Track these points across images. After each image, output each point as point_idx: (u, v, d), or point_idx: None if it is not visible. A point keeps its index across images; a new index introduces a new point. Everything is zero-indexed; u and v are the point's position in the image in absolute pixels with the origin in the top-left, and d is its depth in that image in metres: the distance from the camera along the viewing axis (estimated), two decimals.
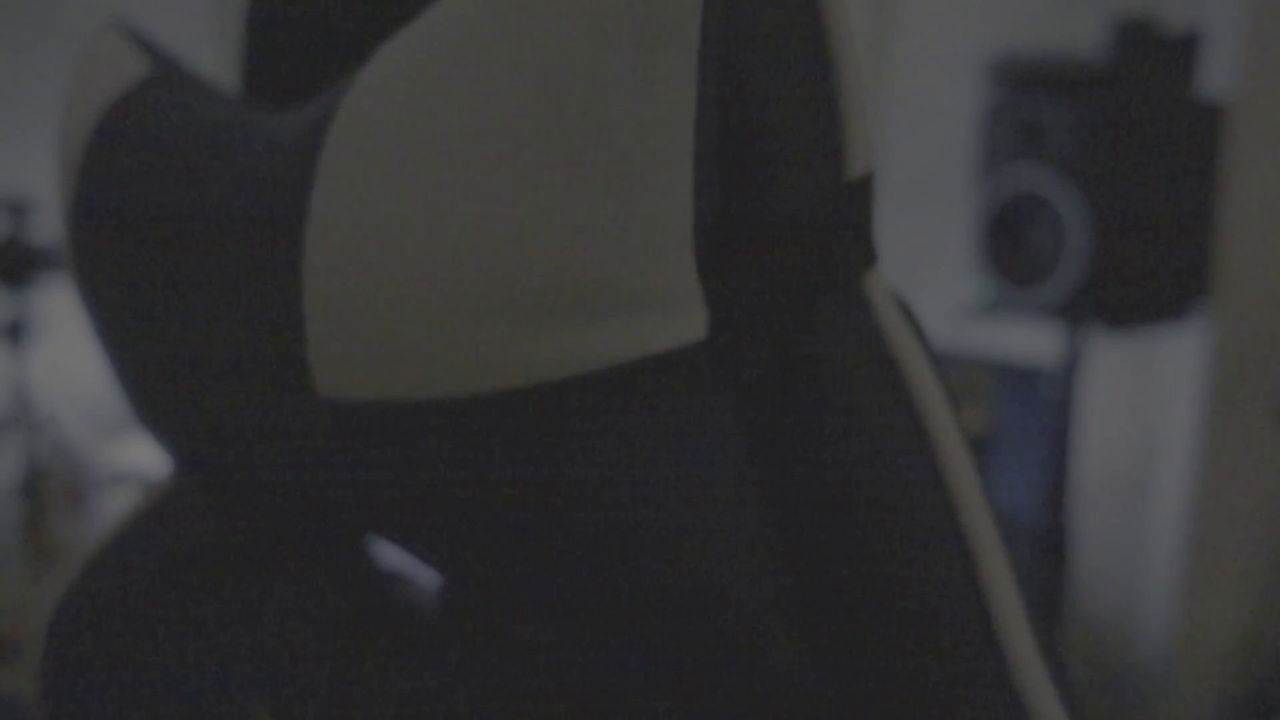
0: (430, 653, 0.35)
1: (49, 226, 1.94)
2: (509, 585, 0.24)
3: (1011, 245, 1.24)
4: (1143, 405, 1.53)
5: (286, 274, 0.23)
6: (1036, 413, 1.42)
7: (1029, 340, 1.61)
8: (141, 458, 1.77)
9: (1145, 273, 1.20)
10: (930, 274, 1.71)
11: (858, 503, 0.22)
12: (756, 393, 0.23)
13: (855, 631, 0.22)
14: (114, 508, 1.57)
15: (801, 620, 0.23)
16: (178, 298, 0.27)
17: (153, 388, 0.30)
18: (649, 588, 0.22)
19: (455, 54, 0.21)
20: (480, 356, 0.21)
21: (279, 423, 0.25)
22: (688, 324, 0.22)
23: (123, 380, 0.32)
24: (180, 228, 0.26)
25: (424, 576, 0.41)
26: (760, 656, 0.22)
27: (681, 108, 0.20)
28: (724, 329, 0.23)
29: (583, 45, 0.20)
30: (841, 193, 0.23)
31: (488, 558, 0.24)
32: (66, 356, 1.97)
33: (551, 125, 0.20)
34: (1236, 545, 1.46)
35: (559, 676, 0.29)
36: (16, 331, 1.48)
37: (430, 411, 0.22)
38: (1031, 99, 1.22)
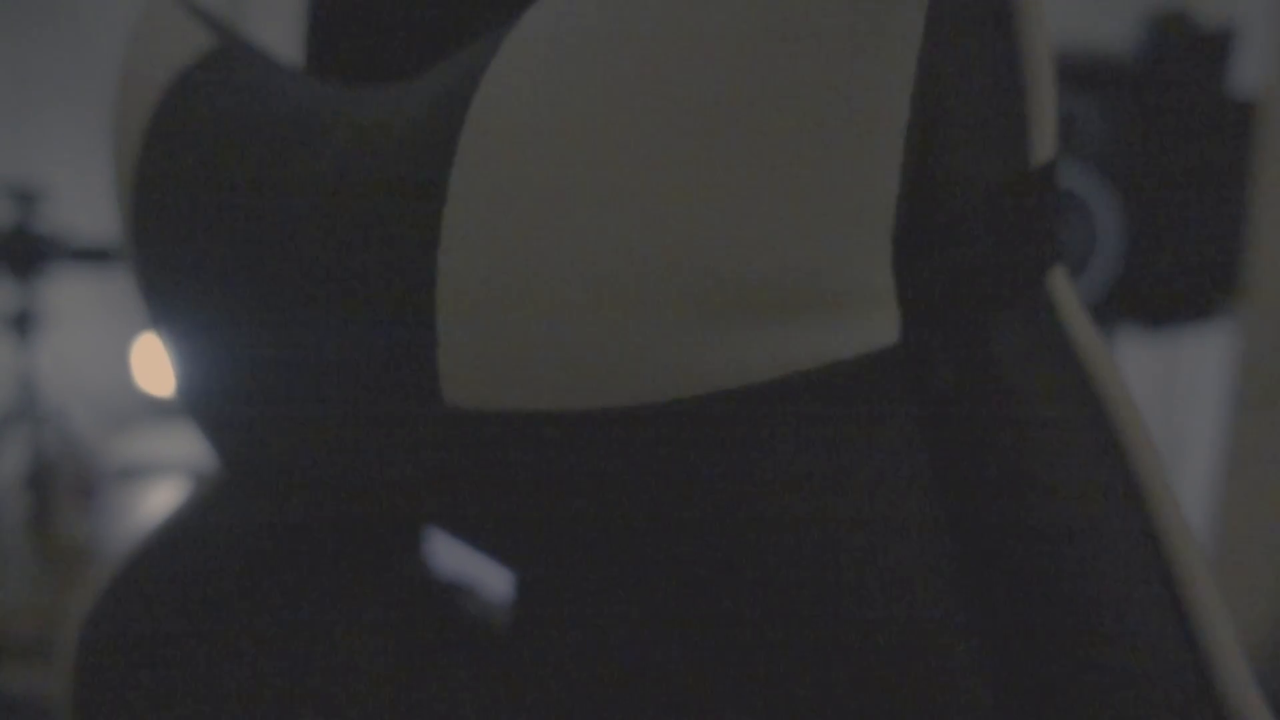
0: (504, 671, 0.33)
1: (57, 215, 1.92)
2: (638, 606, 0.22)
3: None
4: (1168, 405, 1.51)
5: (417, 264, 0.21)
6: None
7: None
8: (150, 452, 1.75)
9: (1177, 271, 1.18)
10: None
11: (1048, 526, 0.20)
12: (938, 404, 0.21)
13: (1047, 669, 0.20)
14: (124, 504, 1.55)
15: (986, 655, 0.21)
16: (275, 288, 0.24)
17: (232, 384, 0.28)
18: (816, 617, 0.20)
19: (635, 13, 0.19)
20: (647, 364, 0.19)
21: (389, 429, 0.23)
22: (881, 327, 0.19)
23: (192, 374, 0.30)
24: (279, 211, 0.24)
25: (489, 587, 0.39)
26: (938, 692, 0.20)
27: (903, 75, 0.18)
28: (909, 333, 0.21)
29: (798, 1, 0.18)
30: (1024, 181, 0.20)
31: (620, 575, 0.22)
32: (74, 349, 1.95)
33: (753, 95, 0.18)
34: (1261, 546, 1.44)
35: (657, 703, 0.27)
36: (23, 322, 1.45)
37: (580, 424, 0.20)
38: (1063, 94, 1.19)
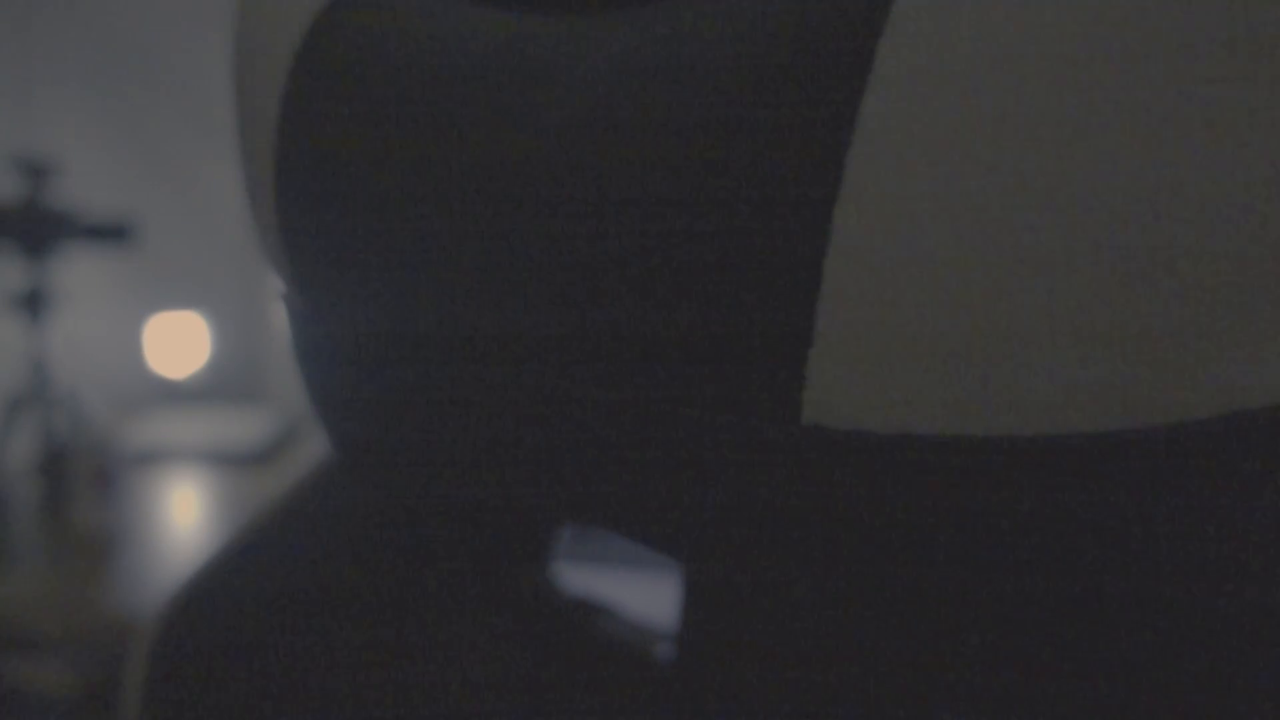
0: (668, 701, 0.28)
1: (68, 191, 1.86)
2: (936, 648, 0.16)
3: None
4: None
5: (794, 229, 0.14)
6: None
7: None
8: (165, 436, 1.70)
9: None
10: None
11: None
12: None
13: None
14: (141, 490, 1.50)
15: None
16: (516, 247, 0.18)
17: (405, 356, 0.22)
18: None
19: None
20: (1123, 384, 0.13)
21: (685, 443, 0.17)
22: None
23: (346, 343, 0.24)
24: (521, 158, 0.18)
25: (629, 609, 0.34)
26: None
27: None
28: None
29: None
30: None
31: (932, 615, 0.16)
32: (86, 330, 1.89)
33: None
34: None
35: None
36: (34, 302, 1.40)
37: (988, 452, 0.14)
38: None
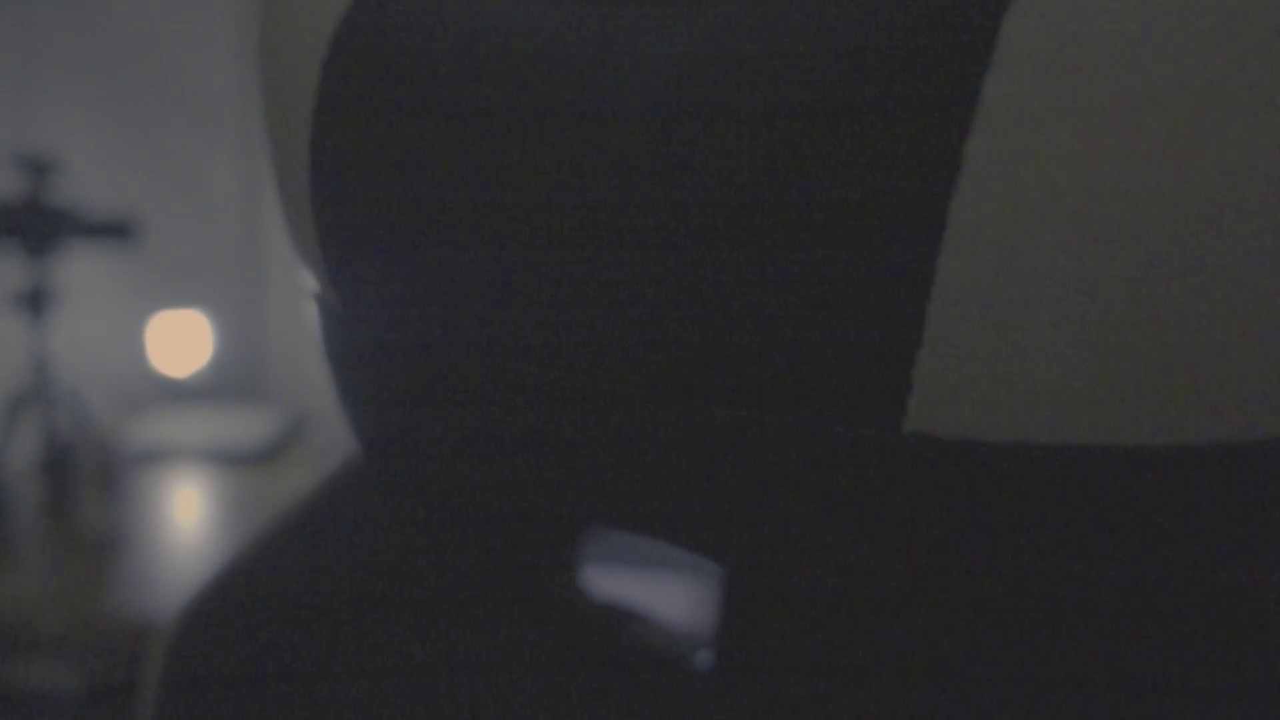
0: (704, 711, 0.27)
1: (70, 189, 1.85)
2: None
3: None
4: None
5: (905, 236, 0.13)
6: None
7: None
8: (167, 435, 1.69)
9: None
10: None
11: None
12: None
13: None
14: (144, 489, 1.49)
15: None
16: (591, 237, 0.17)
17: (454, 352, 0.21)
18: None
19: None
20: (1260, 394, 0.12)
21: (765, 448, 0.16)
22: None
23: (388, 337, 0.23)
24: (585, 145, 0.16)
25: (660, 615, 0.33)
26: None
27: None
28: None
29: None
30: None
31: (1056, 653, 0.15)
32: (88, 328, 1.88)
33: None
34: None
35: None
36: (37, 300, 1.39)
37: (1113, 460, 0.13)
38: None
